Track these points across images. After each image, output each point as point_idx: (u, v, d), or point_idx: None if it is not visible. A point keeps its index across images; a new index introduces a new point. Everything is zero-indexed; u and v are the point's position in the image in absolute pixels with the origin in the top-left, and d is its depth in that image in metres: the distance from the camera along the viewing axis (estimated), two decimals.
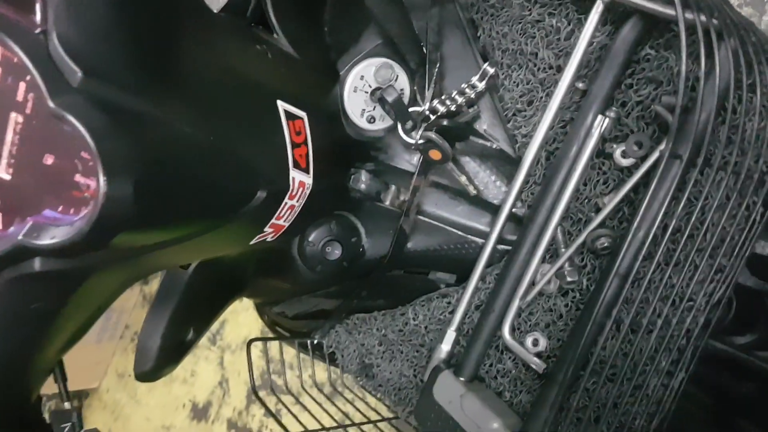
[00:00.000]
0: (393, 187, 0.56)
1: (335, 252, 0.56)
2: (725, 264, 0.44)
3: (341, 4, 0.56)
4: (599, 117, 0.48)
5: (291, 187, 0.45)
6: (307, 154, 0.46)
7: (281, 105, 0.44)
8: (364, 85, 0.55)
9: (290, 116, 0.44)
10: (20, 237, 0.31)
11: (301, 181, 0.46)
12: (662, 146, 0.45)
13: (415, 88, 0.56)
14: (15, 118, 0.32)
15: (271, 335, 0.74)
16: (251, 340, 0.63)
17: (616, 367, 0.46)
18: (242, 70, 0.42)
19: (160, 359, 0.52)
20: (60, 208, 0.32)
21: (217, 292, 0.57)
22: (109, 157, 0.30)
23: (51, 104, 0.30)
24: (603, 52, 0.49)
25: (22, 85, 0.32)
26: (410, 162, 0.57)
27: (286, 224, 0.48)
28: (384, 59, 0.55)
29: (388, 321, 0.61)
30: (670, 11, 0.44)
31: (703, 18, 0.42)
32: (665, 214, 0.44)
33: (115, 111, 0.31)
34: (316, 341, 0.66)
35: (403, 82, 0.56)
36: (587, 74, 0.50)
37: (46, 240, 0.31)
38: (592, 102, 0.48)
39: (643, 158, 0.47)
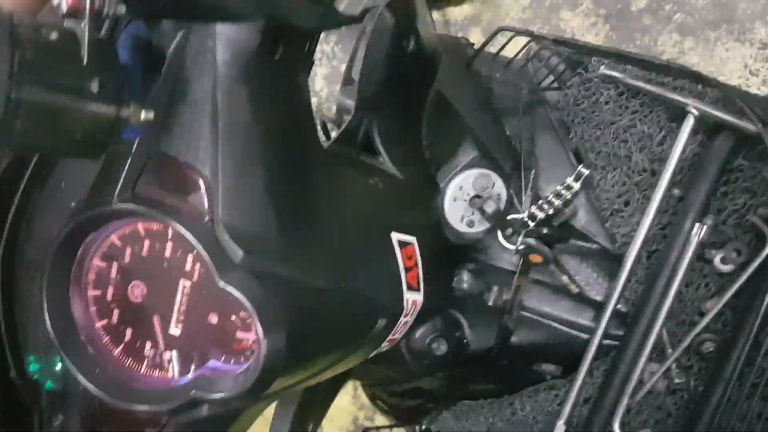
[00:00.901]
0: (495, 287, 0.60)
1: (441, 347, 0.60)
2: None
3: (438, 118, 0.60)
4: (696, 224, 0.50)
5: (406, 308, 0.49)
6: (418, 275, 0.50)
7: (395, 236, 0.48)
8: (463, 195, 0.58)
9: (402, 244, 0.49)
10: (193, 392, 0.36)
11: (414, 300, 0.50)
12: (762, 255, 0.46)
13: (512, 191, 0.59)
14: (183, 283, 0.38)
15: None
16: (364, 430, 0.67)
17: None
18: (361, 210, 0.47)
19: None
20: (223, 359, 0.38)
21: (331, 387, 0.61)
22: (266, 318, 0.35)
23: (218, 279, 0.35)
24: (696, 160, 0.51)
25: (190, 257, 0.37)
26: (510, 261, 0.60)
27: (400, 336, 0.52)
28: (481, 170, 0.59)
29: (496, 410, 0.64)
30: (753, 128, 0.45)
31: None
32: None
33: (268, 278, 0.36)
34: (424, 427, 0.69)
35: (499, 188, 0.59)
36: (682, 180, 0.52)
37: (215, 394, 0.36)
38: (688, 209, 0.50)
39: (743, 264, 0.48)
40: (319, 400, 0.60)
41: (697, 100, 0.50)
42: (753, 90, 1.31)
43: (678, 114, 0.52)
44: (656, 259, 0.53)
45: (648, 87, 0.53)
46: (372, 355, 0.52)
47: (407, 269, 0.49)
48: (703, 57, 1.35)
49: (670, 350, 0.52)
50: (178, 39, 0.35)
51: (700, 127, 0.51)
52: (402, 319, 0.49)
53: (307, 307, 0.39)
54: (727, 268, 0.49)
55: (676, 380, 0.51)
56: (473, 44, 0.69)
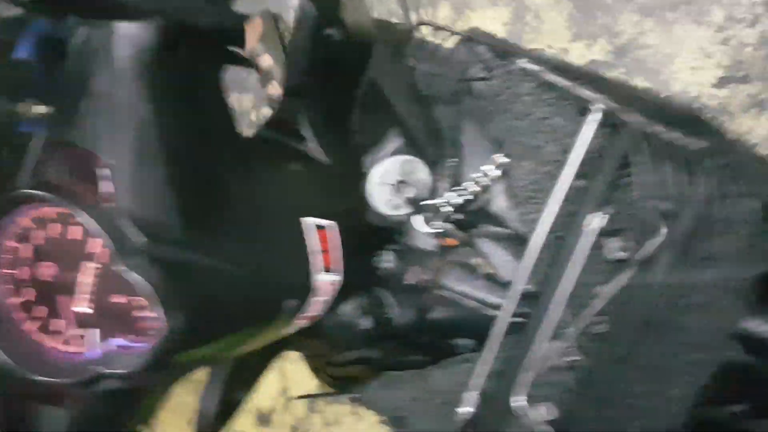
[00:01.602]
0: (415, 267, 0.63)
1: (366, 323, 0.63)
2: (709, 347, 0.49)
3: (369, 105, 0.62)
4: (596, 214, 0.53)
5: (318, 289, 0.52)
6: (335, 258, 0.53)
7: (310, 220, 0.51)
8: (388, 180, 0.61)
9: (319, 227, 0.51)
10: (98, 367, 0.39)
11: (330, 281, 0.53)
12: (651, 245, 0.50)
13: (435, 177, 0.62)
14: (91, 265, 0.41)
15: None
16: (297, 398, 0.71)
17: None
18: (276, 196, 0.49)
19: (218, 423, 0.61)
20: (128, 337, 0.41)
21: (261, 359, 0.65)
22: (165, 301, 0.38)
23: (118, 264, 0.38)
24: (602, 151, 0.54)
25: (96, 241, 0.40)
26: (430, 243, 0.63)
27: (320, 314, 0.55)
28: (406, 156, 0.61)
29: (417, 380, 0.68)
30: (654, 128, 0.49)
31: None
32: (653, 306, 0.49)
33: (169, 263, 0.39)
34: (355, 395, 0.73)
35: (423, 174, 0.62)
36: (586, 172, 0.55)
37: (117, 369, 0.39)
38: (589, 199, 0.54)
39: (636, 253, 0.52)
40: (249, 370, 0.64)
41: (604, 95, 0.53)
42: (708, 72, 1.35)
43: (588, 108, 0.54)
44: (560, 247, 0.56)
45: (561, 81, 0.55)
46: (297, 330, 0.55)
47: (323, 252, 0.52)
48: (661, 38, 1.38)
49: (568, 330, 0.56)
50: (79, 35, 0.37)
51: (606, 121, 0.53)
52: (316, 299, 0.52)
53: (208, 290, 0.42)
54: (621, 255, 0.53)
55: (572, 358, 0.55)
56: (410, 30, 0.71)
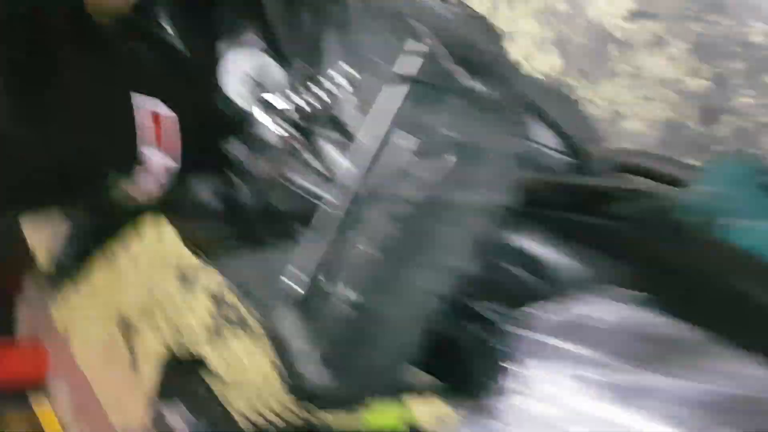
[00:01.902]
0: (262, 157, 0.70)
1: (216, 204, 0.71)
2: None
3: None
4: (406, 134, 0.60)
5: (149, 167, 0.58)
6: (171, 143, 0.59)
7: (146, 102, 0.56)
8: (242, 74, 0.66)
9: (156, 113, 0.57)
10: None
11: (163, 164, 0.59)
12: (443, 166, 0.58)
13: (289, 79, 0.68)
14: None
15: None
16: None
17: None
18: (118, 78, 0.55)
19: (70, 271, 0.69)
20: None
21: (113, 222, 0.72)
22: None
23: None
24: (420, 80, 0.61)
25: None
26: (277, 140, 0.69)
27: (154, 191, 0.62)
28: (263, 54, 0.66)
29: (260, 257, 0.77)
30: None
31: None
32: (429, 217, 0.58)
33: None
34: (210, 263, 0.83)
35: (277, 74, 0.67)
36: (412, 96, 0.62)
37: None
38: (403, 120, 0.61)
39: (429, 172, 0.60)
40: (101, 229, 0.71)
41: (429, 31, 0.59)
42: (623, 3, 1.39)
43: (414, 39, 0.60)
44: (380, 157, 0.64)
45: (404, 10, 0.61)
46: (146, 203, 0.62)
47: (156, 134, 0.58)
48: None
49: (374, 228, 0.65)
50: None
51: (425, 54, 0.60)
52: (147, 176, 0.59)
53: (35, 159, 0.48)
54: (421, 173, 0.61)
55: (372, 252, 0.65)
56: None
